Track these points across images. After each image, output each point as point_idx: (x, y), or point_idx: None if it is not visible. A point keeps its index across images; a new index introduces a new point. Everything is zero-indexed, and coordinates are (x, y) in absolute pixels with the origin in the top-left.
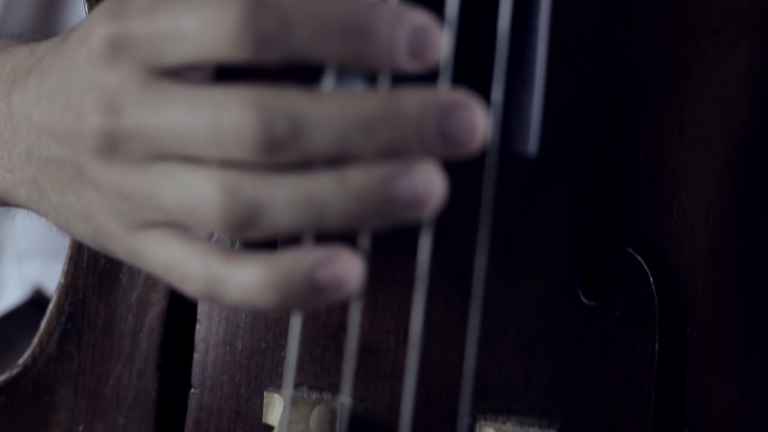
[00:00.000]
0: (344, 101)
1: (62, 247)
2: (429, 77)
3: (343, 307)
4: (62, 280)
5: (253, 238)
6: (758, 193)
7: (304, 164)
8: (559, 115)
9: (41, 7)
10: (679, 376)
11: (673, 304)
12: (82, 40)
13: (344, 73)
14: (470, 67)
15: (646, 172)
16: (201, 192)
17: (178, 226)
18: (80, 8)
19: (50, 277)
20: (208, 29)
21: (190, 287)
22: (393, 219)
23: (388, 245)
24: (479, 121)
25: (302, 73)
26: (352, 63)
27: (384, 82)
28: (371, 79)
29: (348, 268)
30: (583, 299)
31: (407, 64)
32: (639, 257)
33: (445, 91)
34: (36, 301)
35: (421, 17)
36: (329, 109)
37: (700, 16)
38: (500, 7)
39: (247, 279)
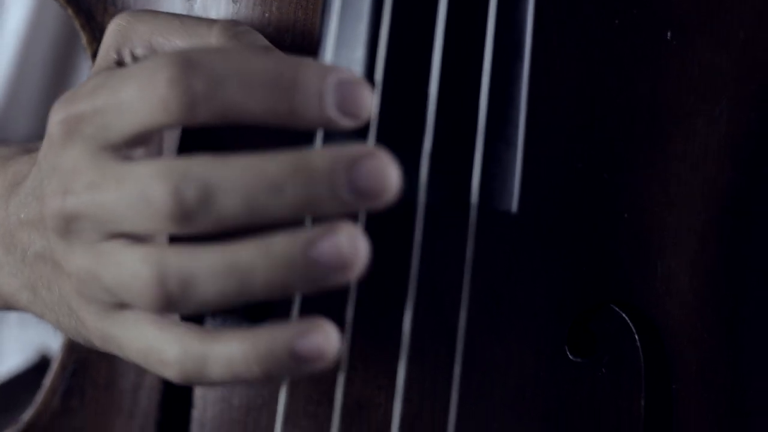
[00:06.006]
0: (251, 163)
1: None
2: (412, 135)
3: (336, 365)
4: (66, 338)
5: (185, 311)
6: (742, 254)
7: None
8: (545, 178)
9: (52, 83)
10: None
11: (658, 360)
12: (46, 131)
13: (331, 137)
14: (453, 127)
15: (630, 233)
16: (132, 269)
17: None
18: None
19: (54, 340)
20: (143, 96)
21: (168, 372)
22: (319, 283)
23: (377, 304)
24: (390, 171)
25: (292, 139)
26: (281, 118)
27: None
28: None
29: (327, 338)
30: (570, 356)
31: (337, 119)
32: (624, 315)
33: (353, 146)
34: (42, 366)
35: (348, 73)
36: (236, 172)
37: (682, 74)
38: (483, 73)
39: (229, 355)
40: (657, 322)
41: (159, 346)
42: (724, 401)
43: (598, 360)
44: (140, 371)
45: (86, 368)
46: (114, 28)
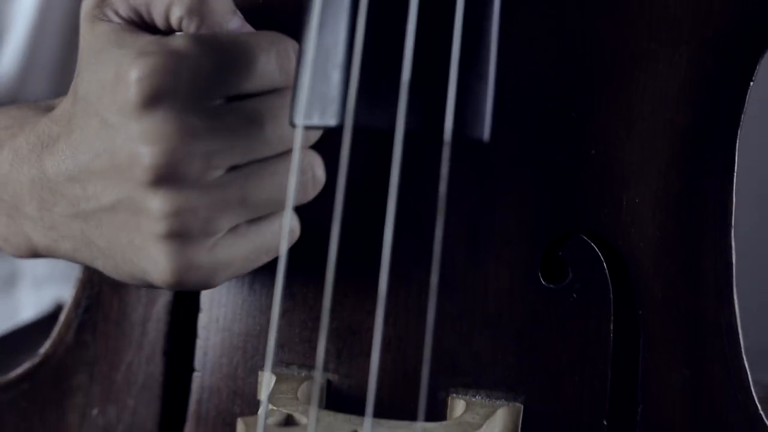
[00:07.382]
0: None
1: None
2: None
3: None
4: (80, 276)
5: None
6: (701, 188)
7: None
8: (516, 113)
9: (69, 47)
10: (633, 355)
11: (625, 288)
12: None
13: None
14: (429, 60)
15: (596, 167)
16: None
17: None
18: None
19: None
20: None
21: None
22: None
23: (364, 232)
24: None
25: None
26: None
27: None
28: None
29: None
30: (543, 282)
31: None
32: (593, 244)
33: None
34: (58, 314)
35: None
36: None
37: (642, 20)
38: (456, 11)
39: None
40: (623, 252)
41: None
42: (686, 326)
43: (569, 286)
44: (149, 304)
45: (99, 304)
46: None
